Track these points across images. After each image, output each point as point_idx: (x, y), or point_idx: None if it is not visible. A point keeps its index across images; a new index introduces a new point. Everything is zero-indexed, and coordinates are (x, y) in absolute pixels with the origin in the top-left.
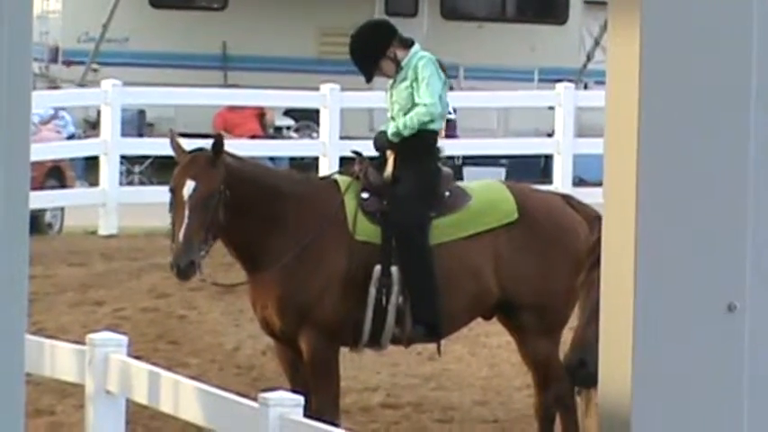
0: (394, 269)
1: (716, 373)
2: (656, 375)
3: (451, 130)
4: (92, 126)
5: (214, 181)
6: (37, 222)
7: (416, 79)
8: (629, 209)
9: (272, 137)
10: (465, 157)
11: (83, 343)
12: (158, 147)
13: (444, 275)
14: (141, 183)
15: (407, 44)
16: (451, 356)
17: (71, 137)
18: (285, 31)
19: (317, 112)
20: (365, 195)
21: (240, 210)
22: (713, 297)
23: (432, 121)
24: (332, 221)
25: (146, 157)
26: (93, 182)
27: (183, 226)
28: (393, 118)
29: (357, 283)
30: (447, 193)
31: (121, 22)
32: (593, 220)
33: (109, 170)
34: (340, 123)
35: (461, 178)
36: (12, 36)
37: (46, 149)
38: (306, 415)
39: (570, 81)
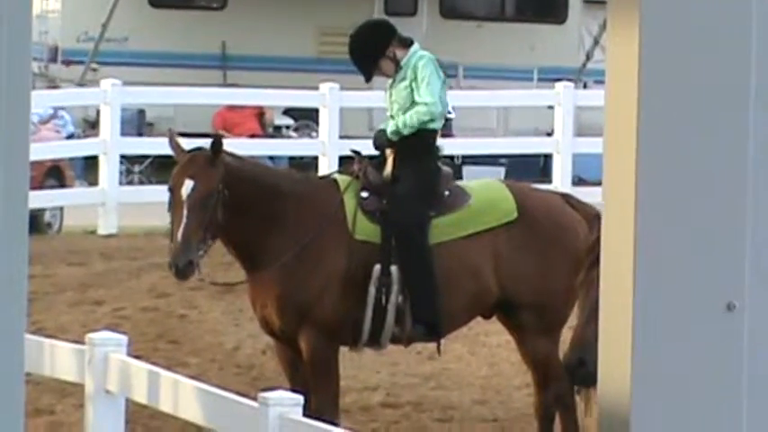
0: (393, 268)
1: (715, 372)
2: (655, 374)
3: (447, 129)
4: (91, 125)
5: (213, 180)
6: (36, 222)
7: (416, 79)
8: (628, 208)
9: (272, 136)
10: (464, 157)
11: (82, 342)
12: (158, 146)
13: (444, 275)
14: (141, 182)
15: (407, 44)
16: (451, 356)
17: (70, 136)
18: (284, 31)
19: (316, 111)
20: (365, 194)
21: (239, 209)
22: (712, 296)
23: (432, 120)
24: (331, 221)
25: (145, 157)
26: (93, 181)
27: (182, 225)
28: (392, 117)
29: (357, 282)
30: (446, 193)
31: (121, 21)
32: (593, 218)
33: (108, 170)
34: (339, 123)
35: (461, 177)
36: (11, 35)
37: (45, 149)
38: (305, 414)
39: (569, 80)
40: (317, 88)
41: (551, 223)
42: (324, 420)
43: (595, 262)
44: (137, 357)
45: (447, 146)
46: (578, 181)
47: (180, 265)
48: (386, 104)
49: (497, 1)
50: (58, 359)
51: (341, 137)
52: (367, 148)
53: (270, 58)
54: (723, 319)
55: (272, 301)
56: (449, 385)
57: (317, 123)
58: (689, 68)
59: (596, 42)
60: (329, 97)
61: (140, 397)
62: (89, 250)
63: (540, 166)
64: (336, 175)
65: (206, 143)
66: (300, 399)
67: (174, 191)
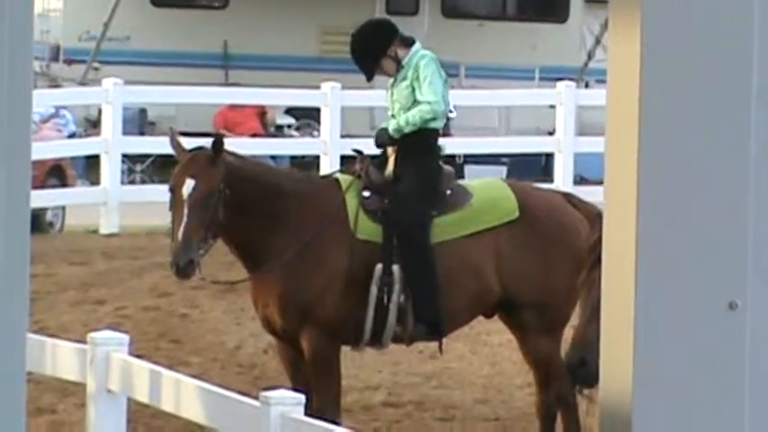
0: (395, 268)
1: (717, 371)
2: (657, 374)
3: (445, 129)
4: (93, 125)
5: (214, 180)
6: (38, 221)
7: (417, 78)
8: (629, 207)
9: (273, 135)
10: (466, 156)
11: (84, 342)
12: (159, 145)
13: (446, 274)
14: (142, 181)
15: (408, 43)
16: (453, 355)
17: (72, 135)
18: (286, 30)
19: (317, 110)
20: (366, 194)
21: (241, 208)
22: (714, 295)
23: (434, 119)
24: (333, 220)
25: (147, 156)
26: (95, 181)
27: (183, 225)
28: (393, 116)
29: (358, 281)
30: (448, 192)
31: (123, 20)
32: (594, 217)
33: (110, 169)
34: (341, 122)
35: (462, 177)
36: (13, 34)
37: (47, 148)
38: (307, 413)
39: (571, 79)
40: (318, 87)
41: (553, 222)
42: (325, 420)
43: (597, 261)
44: (138, 357)
45: (449, 145)
46: (580, 180)
47: (181, 264)
48: (387, 104)
49: (499, 0)
50: (60, 358)
51: (342, 136)
52: (369, 147)
53: (271, 57)
54: (725, 318)
55: (274, 301)
56: (450, 384)
57: (319, 122)
58: (691, 68)
59: (598, 42)
60: (331, 96)
61: (142, 396)
62: (91, 249)
63: (541, 165)
64: (338, 175)
65: (207, 142)
66: (302, 398)
67: (174, 190)
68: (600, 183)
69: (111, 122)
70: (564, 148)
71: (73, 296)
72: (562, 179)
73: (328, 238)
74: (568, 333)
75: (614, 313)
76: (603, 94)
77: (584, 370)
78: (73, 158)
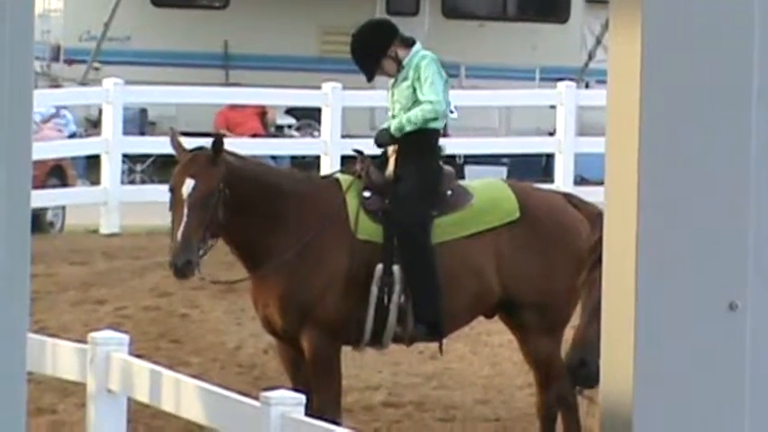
0: (396, 268)
1: (718, 372)
2: (657, 375)
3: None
4: (93, 125)
5: (213, 179)
6: (38, 221)
7: (418, 78)
8: (630, 208)
9: (274, 135)
10: (466, 156)
11: (84, 342)
12: (160, 145)
13: (446, 274)
14: (143, 181)
15: (409, 43)
16: (453, 355)
17: (72, 135)
18: (287, 30)
19: (318, 110)
20: (367, 194)
21: (241, 208)
22: (715, 296)
23: (435, 118)
24: (334, 220)
25: (147, 156)
26: (95, 180)
27: (182, 225)
28: (394, 117)
29: (359, 281)
30: (449, 192)
31: (123, 20)
32: (595, 218)
33: (110, 169)
34: (341, 122)
35: (463, 177)
36: (13, 34)
37: (47, 148)
38: (307, 414)
39: (572, 80)
40: (319, 88)
41: (553, 223)
42: (326, 420)
43: (597, 262)
44: (138, 357)
45: (448, 145)
46: (580, 180)
47: (179, 265)
48: (388, 104)
49: (499, 0)
50: (60, 358)
51: (343, 136)
52: (369, 147)
53: (272, 57)
54: (725, 318)
55: (274, 301)
56: (451, 385)
57: (320, 123)
58: (691, 68)
59: (598, 42)
60: (331, 97)
61: (142, 396)
62: (91, 249)
63: (542, 165)
64: (339, 175)
65: (208, 142)
66: (302, 398)
67: (174, 190)
68: (600, 183)
69: (112, 122)
70: (564, 149)
71: (73, 296)
72: (562, 179)
73: (329, 238)
74: (569, 333)
75: (615, 314)
76: (604, 94)
77: (584, 371)
78: (73, 158)
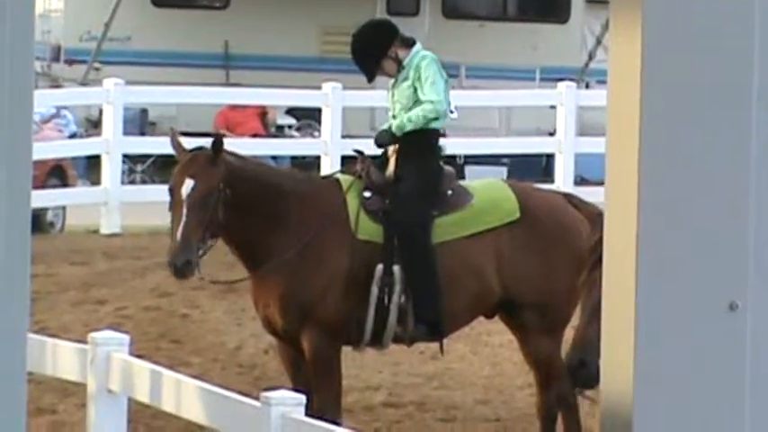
0: (396, 268)
1: (718, 372)
2: (657, 375)
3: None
4: (94, 125)
5: (213, 179)
6: (39, 221)
7: (419, 78)
8: (630, 208)
9: (274, 136)
10: (467, 156)
11: (85, 342)
12: (160, 145)
13: (446, 274)
14: (143, 181)
15: (409, 43)
16: (453, 355)
17: (73, 136)
18: (287, 30)
19: (318, 110)
20: (367, 194)
21: (241, 208)
22: (715, 296)
23: (436, 118)
24: (334, 220)
25: (148, 156)
26: (95, 181)
27: (181, 225)
28: (394, 117)
29: (359, 281)
30: (449, 192)
31: (123, 20)
32: (595, 218)
33: (111, 169)
34: (342, 122)
35: (463, 177)
36: (14, 34)
37: (48, 148)
38: (308, 414)
39: (572, 80)
40: (319, 88)
41: (554, 223)
42: (326, 420)
43: (598, 262)
44: (139, 357)
45: (449, 145)
46: (580, 181)
47: (178, 265)
48: (388, 104)
49: (500, 1)
50: (61, 358)
51: (343, 136)
52: (369, 147)
53: (272, 57)
54: (726, 319)
55: (275, 301)
56: (451, 385)
57: (320, 123)
58: (691, 68)
59: (599, 42)
60: (332, 97)
61: (142, 396)
62: (91, 250)
63: (542, 165)
64: (339, 175)
65: (208, 143)
66: (303, 398)
67: (174, 190)
68: (600, 183)
69: (112, 122)
70: (564, 149)
71: (73, 296)
72: (563, 180)
73: (329, 238)
74: (569, 333)
75: (615, 314)
76: (604, 94)
77: (584, 371)
78: (74, 158)
